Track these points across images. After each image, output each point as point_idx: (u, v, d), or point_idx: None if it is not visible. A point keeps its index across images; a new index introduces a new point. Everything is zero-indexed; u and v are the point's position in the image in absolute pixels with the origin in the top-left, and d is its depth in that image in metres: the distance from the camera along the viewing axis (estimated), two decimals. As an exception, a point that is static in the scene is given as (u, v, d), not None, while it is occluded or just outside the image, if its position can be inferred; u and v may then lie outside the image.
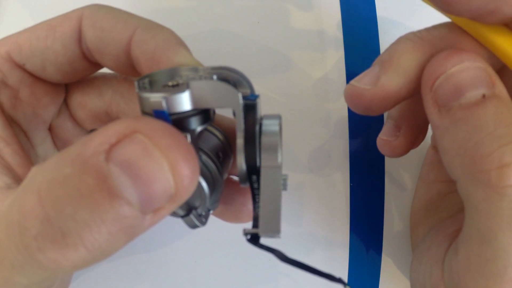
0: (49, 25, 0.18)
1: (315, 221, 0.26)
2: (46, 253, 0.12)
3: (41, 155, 0.20)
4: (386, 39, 0.28)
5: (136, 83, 0.14)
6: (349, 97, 0.18)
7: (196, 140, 0.15)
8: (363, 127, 0.27)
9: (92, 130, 0.18)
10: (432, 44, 0.17)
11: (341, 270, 0.25)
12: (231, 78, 0.15)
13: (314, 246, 0.26)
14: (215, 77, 0.15)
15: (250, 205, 0.19)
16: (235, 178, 0.20)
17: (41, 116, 0.20)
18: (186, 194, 0.12)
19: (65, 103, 0.21)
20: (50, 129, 0.21)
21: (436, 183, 0.23)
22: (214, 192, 0.16)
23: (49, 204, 0.11)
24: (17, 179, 0.16)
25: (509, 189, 0.14)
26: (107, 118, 0.21)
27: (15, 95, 0.18)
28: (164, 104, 0.13)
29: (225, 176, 0.18)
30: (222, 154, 0.17)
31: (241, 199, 0.20)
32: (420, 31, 0.18)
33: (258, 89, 0.28)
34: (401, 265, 0.26)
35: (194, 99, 0.14)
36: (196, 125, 0.15)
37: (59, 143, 0.21)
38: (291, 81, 0.28)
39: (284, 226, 0.26)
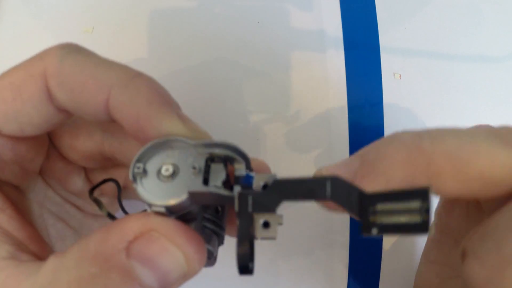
0: (12, 84, 0.16)
1: (315, 221, 0.26)
2: None
3: (33, 199, 0.20)
4: (386, 39, 0.28)
5: (130, 174, 0.14)
6: None
7: (201, 218, 0.16)
8: (363, 127, 0.27)
9: (96, 200, 0.18)
10: (432, 160, 0.14)
11: (341, 270, 0.25)
12: (225, 155, 0.15)
13: (314, 246, 0.26)
14: (208, 155, 0.15)
15: None
16: None
17: (28, 169, 0.19)
18: (197, 271, 0.15)
19: (53, 144, 0.20)
20: (41, 171, 0.20)
21: (435, 265, 0.21)
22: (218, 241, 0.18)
23: None
24: (18, 245, 0.16)
25: None
26: (101, 157, 0.20)
27: None
28: (166, 212, 0.14)
29: (225, 220, 0.18)
30: (221, 206, 0.17)
31: None
32: (421, 135, 0.15)
33: (258, 89, 0.28)
34: (401, 265, 0.26)
35: (193, 200, 0.15)
36: (200, 212, 0.16)
37: (51, 181, 0.20)
38: (291, 81, 0.28)
39: (284, 226, 0.26)
